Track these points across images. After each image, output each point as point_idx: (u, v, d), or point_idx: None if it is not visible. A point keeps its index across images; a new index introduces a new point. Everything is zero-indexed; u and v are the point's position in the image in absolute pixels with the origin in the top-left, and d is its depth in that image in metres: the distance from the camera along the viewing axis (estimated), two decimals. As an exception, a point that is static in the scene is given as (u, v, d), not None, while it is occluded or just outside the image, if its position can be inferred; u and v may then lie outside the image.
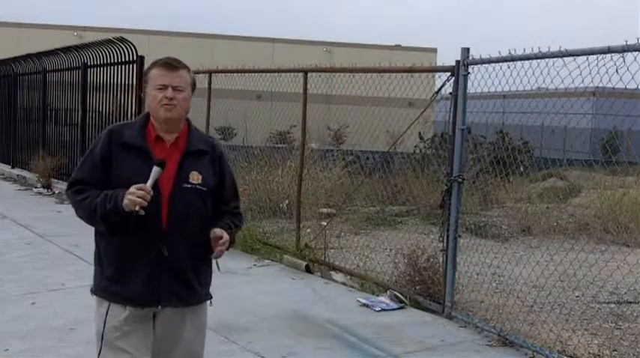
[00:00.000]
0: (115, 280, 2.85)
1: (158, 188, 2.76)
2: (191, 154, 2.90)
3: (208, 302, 3.07)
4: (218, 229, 2.87)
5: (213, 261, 3.00)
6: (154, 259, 2.82)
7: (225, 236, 2.85)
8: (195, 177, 2.86)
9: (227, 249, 2.92)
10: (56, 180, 13.33)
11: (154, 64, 2.92)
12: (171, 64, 2.89)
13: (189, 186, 2.85)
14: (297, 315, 5.84)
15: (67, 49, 13.73)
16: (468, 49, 5.75)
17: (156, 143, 2.88)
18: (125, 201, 2.69)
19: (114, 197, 2.73)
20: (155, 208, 2.76)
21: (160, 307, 2.86)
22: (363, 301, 6.18)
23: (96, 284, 2.94)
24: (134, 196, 2.67)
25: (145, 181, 2.71)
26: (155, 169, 2.74)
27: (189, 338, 2.97)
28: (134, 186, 2.69)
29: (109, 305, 2.86)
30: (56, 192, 12.81)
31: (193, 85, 2.97)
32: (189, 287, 2.91)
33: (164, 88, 2.84)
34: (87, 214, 2.84)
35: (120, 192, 2.72)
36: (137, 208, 2.67)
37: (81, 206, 2.84)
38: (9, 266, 7.16)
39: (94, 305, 2.94)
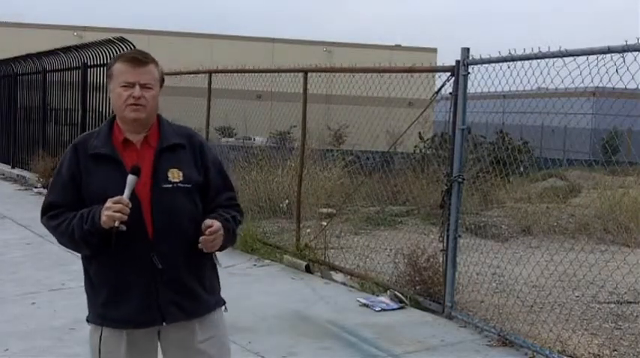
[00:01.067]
0: (110, 304, 2.60)
1: (135, 196, 2.50)
2: (165, 150, 2.62)
3: (222, 308, 2.79)
4: (207, 219, 2.57)
5: (214, 256, 2.72)
6: (147, 273, 2.56)
7: (216, 224, 2.55)
8: (174, 175, 2.58)
9: (226, 245, 2.66)
10: (56, 180, 13.33)
11: (119, 58, 2.64)
12: (138, 59, 2.59)
13: (170, 185, 2.57)
14: (297, 315, 5.83)
15: (67, 49, 13.73)
16: (468, 49, 5.75)
17: (124, 147, 2.61)
18: (103, 218, 2.43)
19: (90, 216, 2.48)
20: (137, 218, 2.50)
21: (164, 324, 2.61)
22: (363, 301, 6.18)
23: (90, 312, 2.71)
24: (111, 211, 2.42)
25: (121, 193, 2.46)
26: (130, 178, 2.48)
27: (208, 351, 2.70)
28: (110, 199, 2.44)
29: (102, 331, 2.62)
30: (56, 192, 12.81)
31: (162, 81, 2.69)
32: (194, 296, 2.65)
33: (130, 85, 2.56)
34: (66, 240, 2.60)
35: (96, 210, 2.47)
36: (117, 224, 2.43)
37: (58, 232, 2.60)
38: (9, 266, 7.16)
39: (89, 335, 2.73)
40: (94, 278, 2.66)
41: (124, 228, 2.45)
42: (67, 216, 2.57)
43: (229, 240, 2.67)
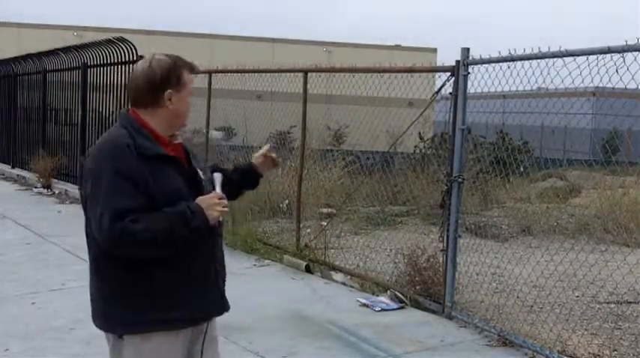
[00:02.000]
0: (179, 303, 2.54)
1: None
2: (190, 154, 2.74)
3: None
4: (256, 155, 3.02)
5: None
6: (214, 264, 2.69)
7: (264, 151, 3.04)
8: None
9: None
10: (56, 180, 13.33)
11: (185, 66, 2.61)
12: (195, 68, 2.71)
13: (204, 177, 2.71)
14: (297, 315, 5.84)
15: (67, 49, 13.72)
16: (468, 49, 5.75)
17: (167, 146, 2.61)
18: (214, 214, 2.51)
19: (195, 214, 2.47)
20: None
21: (225, 313, 2.77)
22: (363, 301, 6.18)
23: (143, 318, 2.52)
24: (220, 206, 2.54)
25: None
26: (216, 175, 2.68)
27: (216, 336, 2.84)
28: (211, 196, 2.55)
29: (157, 337, 2.54)
30: (56, 192, 12.81)
31: None
32: (224, 292, 2.80)
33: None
34: (159, 243, 2.43)
35: (195, 206, 2.48)
36: (221, 218, 2.60)
37: (145, 235, 2.40)
38: (9, 266, 7.16)
39: (136, 346, 2.56)
40: (158, 280, 2.51)
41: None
42: (151, 217, 2.42)
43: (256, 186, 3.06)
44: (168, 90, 2.55)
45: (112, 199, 2.40)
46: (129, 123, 2.57)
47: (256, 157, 3.02)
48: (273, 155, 3.01)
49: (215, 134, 12.53)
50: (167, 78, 2.55)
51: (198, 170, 2.64)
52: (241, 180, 3.00)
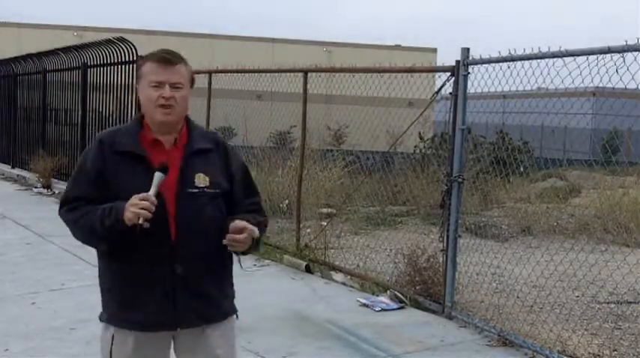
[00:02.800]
0: (126, 304, 2.54)
1: (161, 197, 2.44)
2: (194, 154, 2.57)
3: (234, 316, 2.77)
4: (238, 220, 2.49)
5: (234, 258, 2.63)
6: (166, 277, 2.50)
7: (250, 226, 2.49)
8: (201, 180, 2.53)
9: (251, 251, 2.60)
10: (56, 180, 13.33)
11: (148, 58, 2.56)
12: (167, 58, 2.53)
13: (196, 190, 2.52)
14: (297, 315, 5.84)
15: (67, 49, 13.72)
16: (468, 49, 5.75)
17: (153, 147, 2.54)
18: (127, 215, 2.37)
19: (114, 211, 2.41)
20: (161, 219, 2.44)
21: (179, 329, 2.58)
22: (363, 301, 6.18)
23: (104, 311, 2.63)
24: (136, 208, 2.35)
25: (147, 191, 2.41)
26: (157, 175, 2.43)
27: (221, 354, 2.68)
28: (135, 196, 2.38)
29: (114, 331, 2.58)
30: (56, 192, 12.80)
31: (192, 81, 2.62)
32: (211, 302, 2.61)
33: (160, 85, 2.49)
34: (84, 234, 2.54)
35: (120, 205, 2.40)
36: (141, 221, 2.36)
37: (76, 226, 2.53)
38: (9, 266, 7.16)
39: (100, 334, 2.67)
40: (110, 277, 2.59)
41: (147, 225, 2.38)
42: (87, 209, 2.49)
43: (254, 246, 2.61)
44: (137, 85, 2.60)
45: (67, 187, 2.63)
46: (133, 120, 2.67)
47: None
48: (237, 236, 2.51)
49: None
50: (137, 73, 2.61)
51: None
52: None
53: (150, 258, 2.49)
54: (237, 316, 2.78)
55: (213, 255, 2.57)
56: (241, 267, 2.70)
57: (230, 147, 2.72)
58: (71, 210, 2.54)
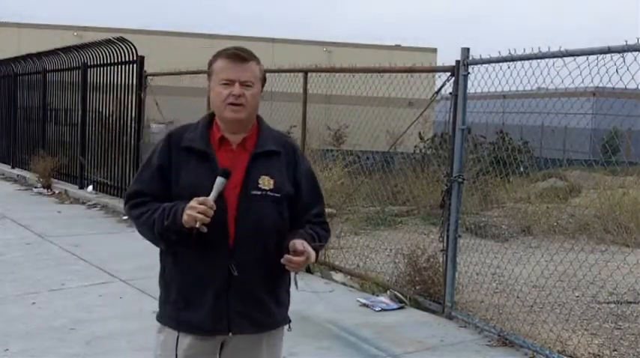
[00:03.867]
0: (180, 305, 2.51)
1: (223, 198, 2.39)
2: (260, 156, 2.50)
3: (286, 326, 2.70)
4: (299, 241, 2.43)
5: (292, 276, 2.58)
6: (221, 280, 2.44)
7: (309, 250, 2.43)
8: (265, 182, 2.46)
9: (307, 264, 2.53)
10: (56, 180, 13.34)
11: (219, 55, 2.52)
12: (239, 55, 2.48)
13: (260, 192, 2.46)
14: (297, 315, 5.79)
15: (67, 49, 13.72)
16: (468, 49, 5.75)
17: (220, 145, 2.50)
18: (185, 218, 2.33)
19: (172, 212, 2.38)
20: (220, 222, 2.39)
21: (230, 334, 2.50)
22: (363, 301, 6.18)
23: (160, 310, 2.60)
24: (194, 211, 2.31)
25: (208, 192, 2.36)
26: (218, 180, 2.37)
27: None
28: (195, 199, 2.33)
29: (167, 331, 2.55)
30: (56, 192, 12.81)
31: (263, 79, 2.56)
32: (265, 309, 2.54)
33: (230, 83, 2.44)
34: (146, 231, 2.49)
35: (179, 206, 2.36)
36: (198, 225, 2.33)
37: (139, 222, 2.50)
38: (9, 266, 7.16)
39: (155, 331, 2.63)
40: (168, 276, 2.55)
41: (204, 229, 2.34)
42: (150, 206, 2.46)
43: (312, 260, 2.53)
44: (208, 82, 2.55)
45: (134, 181, 2.60)
46: (204, 117, 2.61)
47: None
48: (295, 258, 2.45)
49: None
50: (208, 70, 2.55)
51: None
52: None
53: (207, 261, 2.45)
54: (289, 327, 2.72)
55: (271, 260, 2.49)
56: (297, 288, 2.66)
57: (300, 152, 2.66)
58: (135, 206, 2.52)
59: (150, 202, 2.48)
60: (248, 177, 2.46)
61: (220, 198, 2.37)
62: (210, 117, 2.57)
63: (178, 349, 2.52)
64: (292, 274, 2.58)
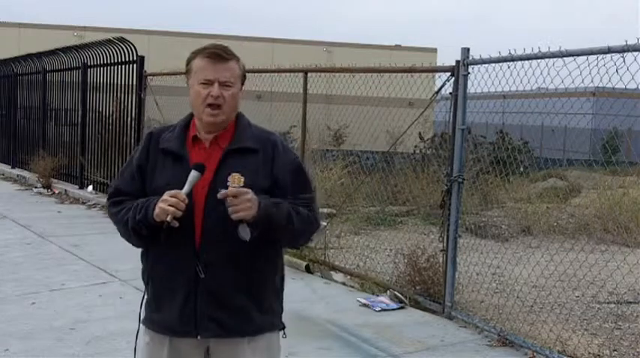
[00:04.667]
0: (153, 307, 2.51)
1: (191, 196, 2.34)
2: (232, 153, 2.43)
3: (281, 333, 2.62)
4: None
5: (240, 228, 2.34)
6: (188, 280, 2.40)
7: (250, 194, 2.28)
8: (235, 180, 2.32)
9: (279, 232, 2.38)
10: (56, 180, 13.34)
11: (198, 53, 2.46)
12: (219, 55, 2.42)
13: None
14: (297, 315, 5.83)
15: (67, 49, 13.73)
16: (468, 49, 5.75)
17: (194, 144, 2.47)
18: (156, 210, 2.30)
19: (145, 206, 2.37)
20: (187, 221, 2.35)
21: (199, 337, 2.44)
22: (363, 301, 6.18)
23: (144, 313, 2.58)
24: (165, 204, 2.28)
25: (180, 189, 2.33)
26: (192, 174, 2.34)
27: None
28: (167, 192, 2.31)
29: (150, 334, 2.52)
30: (56, 192, 12.81)
31: (243, 77, 2.50)
32: (241, 313, 2.44)
33: (209, 83, 2.39)
34: (121, 229, 2.49)
35: (152, 201, 2.36)
36: (169, 218, 2.29)
37: (115, 219, 2.51)
38: (9, 266, 7.16)
39: (140, 334, 2.61)
40: (145, 277, 2.55)
41: (176, 224, 2.31)
42: (127, 204, 2.46)
43: (282, 228, 2.38)
44: (187, 81, 2.51)
45: (117, 178, 2.62)
46: (184, 117, 2.58)
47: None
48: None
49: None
50: (187, 68, 2.51)
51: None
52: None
53: (175, 259, 2.42)
54: (284, 334, 2.63)
55: (243, 264, 2.41)
56: (240, 236, 2.36)
57: (282, 147, 2.51)
58: (114, 204, 2.53)
59: (127, 201, 2.48)
60: (217, 175, 2.39)
61: (188, 197, 2.32)
62: (190, 116, 2.54)
63: (162, 352, 2.48)
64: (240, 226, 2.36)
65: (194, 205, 2.36)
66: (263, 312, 2.50)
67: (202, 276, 2.38)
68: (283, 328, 2.63)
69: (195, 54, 2.47)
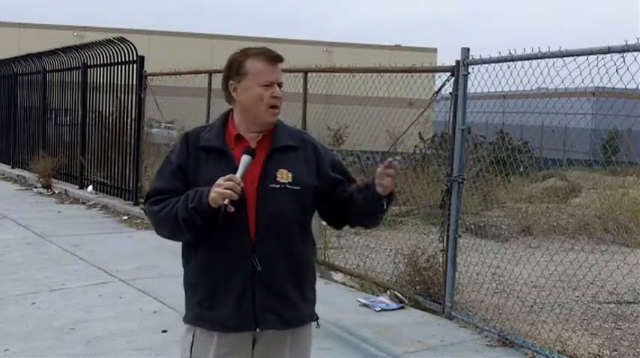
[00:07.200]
0: (206, 304, 2.49)
1: (243, 191, 2.35)
2: (277, 151, 2.51)
3: (314, 323, 2.70)
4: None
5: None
6: (245, 274, 2.43)
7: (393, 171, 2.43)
8: (283, 175, 2.45)
9: (382, 213, 2.65)
10: (56, 180, 13.34)
11: (253, 55, 2.52)
12: (277, 57, 2.52)
13: (278, 186, 2.45)
14: (297, 315, 5.84)
15: (67, 49, 13.73)
16: (468, 49, 5.75)
17: (237, 143, 2.51)
18: (212, 195, 2.30)
19: (197, 195, 2.36)
20: (241, 216, 2.39)
21: (258, 330, 2.48)
22: (363, 301, 6.18)
23: (187, 312, 2.58)
24: (222, 188, 2.28)
25: None
26: (244, 158, 2.38)
27: None
28: (221, 177, 2.31)
29: (195, 332, 2.53)
30: (56, 192, 12.82)
31: None
32: (291, 304, 2.53)
33: (271, 85, 2.47)
34: (168, 223, 2.46)
35: (204, 189, 2.34)
36: (226, 202, 2.29)
37: (159, 216, 2.47)
38: (9, 266, 7.16)
39: (182, 334, 2.61)
40: (192, 276, 2.54)
41: (231, 209, 2.31)
42: (171, 200, 2.45)
43: (383, 209, 2.59)
44: (230, 82, 2.53)
45: (154, 181, 2.62)
46: (219, 117, 2.62)
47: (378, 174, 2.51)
48: (389, 171, 2.48)
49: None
50: (228, 69, 2.54)
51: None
52: (359, 202, 2.58)
53: (229, 255, 2.45)
54: (317, 324, 2.72)
55: (295, 254, 2.51)
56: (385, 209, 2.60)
57: (320, 146, 2.65)
58: (155, 202, 2.51)
59: (169, 198, 2.47)
60: (266, 171, 2.46)
61: (241, 191, 2.35)
62: (225, 116, 2.59)
63: (209, 349, 2.50)
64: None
65: (246, 201, 2.41)
66: (305, 301, 2.61)
67: (259, 269, 2.43)
68: (318, 318, 2.72)
69: (244, 56, 2.53)
